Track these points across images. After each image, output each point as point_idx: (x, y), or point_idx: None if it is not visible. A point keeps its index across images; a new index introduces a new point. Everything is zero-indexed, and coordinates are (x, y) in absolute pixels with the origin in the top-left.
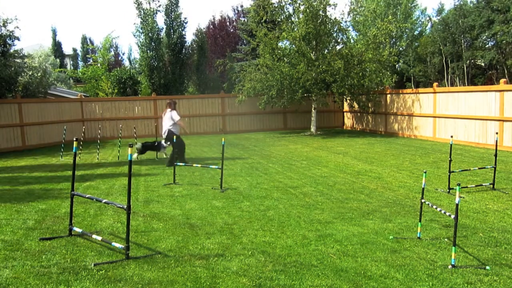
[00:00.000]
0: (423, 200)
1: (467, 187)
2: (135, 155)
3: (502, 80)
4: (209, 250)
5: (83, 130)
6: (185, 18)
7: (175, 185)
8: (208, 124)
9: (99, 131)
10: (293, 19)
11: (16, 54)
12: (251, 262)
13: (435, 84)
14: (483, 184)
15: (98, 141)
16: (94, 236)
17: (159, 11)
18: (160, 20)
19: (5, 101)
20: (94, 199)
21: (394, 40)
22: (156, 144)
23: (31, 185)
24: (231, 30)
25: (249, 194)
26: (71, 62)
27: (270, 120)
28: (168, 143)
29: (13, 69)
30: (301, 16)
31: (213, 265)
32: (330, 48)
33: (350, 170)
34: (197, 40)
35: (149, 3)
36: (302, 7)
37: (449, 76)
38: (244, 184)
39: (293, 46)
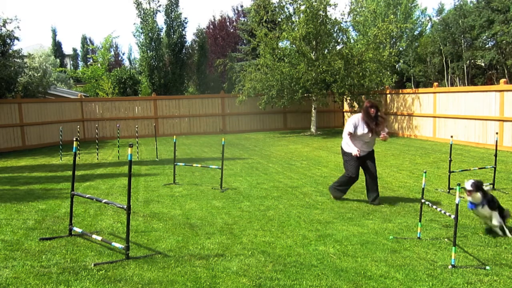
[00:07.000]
0: (423, 200)
1: None
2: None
3: (502, 80)
4: (209, 250)
5: (78, 129)
6: (185, 18)
7: (175, 185)
8: (208, 124)
9: (96, 131)
10: (293, 19)
11: (16, 54)
12: (251, 262)
13: (435, 84)
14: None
15: (97, 141)
16: (94, 236)
17: (159, 11)
18: (160, 20)
19: (5, 101)
20: (94, 199)
21: (394, 40)
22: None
23: (31, 185)
24: (231, 30)
25: (249, 194)
26: (71, 62)
27: (270, 120)
28: (488, 185)
29: (13, 69)
30: (301, 16)
31: (213, 265)
32: (330, 48)
33: None
34: (197, 40)
35: (149, 3)
36: (302, 7)
37: (449, 76)
38: (244, 184)
39: (293, 46)
